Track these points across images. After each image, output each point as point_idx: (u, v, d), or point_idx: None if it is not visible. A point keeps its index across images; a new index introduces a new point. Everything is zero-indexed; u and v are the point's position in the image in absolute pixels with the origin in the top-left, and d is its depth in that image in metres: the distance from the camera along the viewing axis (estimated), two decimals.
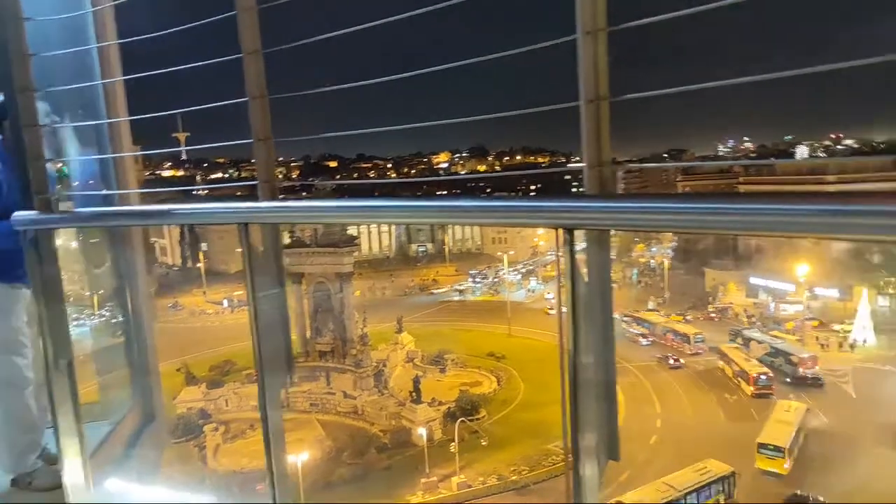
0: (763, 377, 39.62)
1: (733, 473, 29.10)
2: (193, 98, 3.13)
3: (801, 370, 40.23)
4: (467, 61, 2.06)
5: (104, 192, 4.06)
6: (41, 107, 2.95)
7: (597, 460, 1.67)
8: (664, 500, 27.18)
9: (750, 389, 39.41)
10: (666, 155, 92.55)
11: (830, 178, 53.74)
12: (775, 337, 46.45)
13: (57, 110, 3.36)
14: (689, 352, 46.99)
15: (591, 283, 1.65)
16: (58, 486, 3.12)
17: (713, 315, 55.71)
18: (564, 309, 1.61)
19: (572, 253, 1.57)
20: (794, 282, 51.58)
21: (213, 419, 40.85)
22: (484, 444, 36.12)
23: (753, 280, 56.55)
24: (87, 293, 5.02)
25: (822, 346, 45.41)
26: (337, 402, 42.38)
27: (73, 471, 3.06)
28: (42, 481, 3.53)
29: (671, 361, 45.52)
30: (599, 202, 1.58)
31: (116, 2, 3.62)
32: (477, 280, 75.66)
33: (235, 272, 72.53)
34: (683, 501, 27.33)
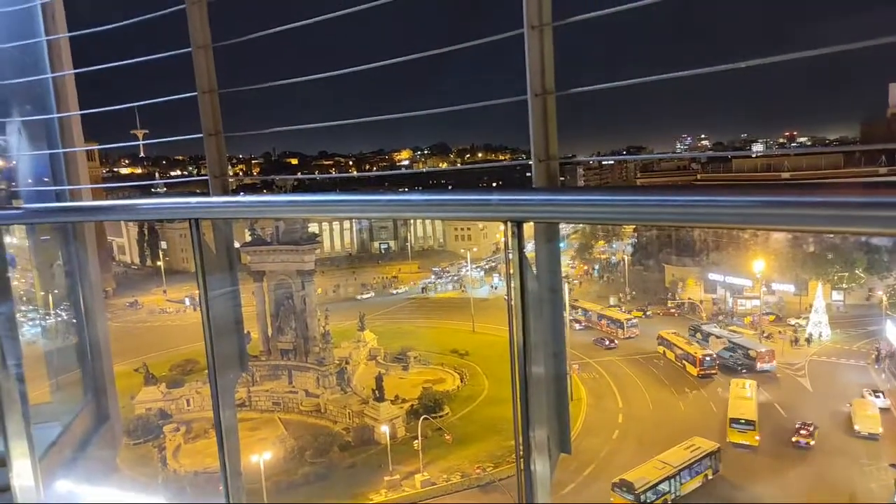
0: (708, 359, 42.49)
1: (719, 449, 31.14)
2: (148, 95, 3.10)
3: (758, 364, 41.66)
4: (419, 55, 2.09)
5: (56, 187, 3.97)
6: None
7: (548, 455, 1.69)
8: (664, 477, 29.01)
9: (695, 370, 42.19)
10: (625, 152, 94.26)
11: (785, 175, 55.60)
12: (733, 332, 47.77)
13: (4, 107, 3.28)
14: (622, 336, 50.26)
15: (541, 277, 1.67)
16: (5, 488, 3.06)
17: (672, 310, 57.10)
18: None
19: (521, 246, 1.59)
20: (752, 277, 52.84)
21: (173, 419, 39.90)
22: (448, 440, 36.23)
23: (712, 276, 58.08)
24: (37, 294, 4.89)
25: (776, 340, 46.93)
26: (299, 401, 41.91)
27: (21, 473, 3.01)
28: None
29: (606, 343, 49.38)
30: (546, 195, 1.60)
31: None
32: (440, 277, 75.71)
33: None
34: (678, 477, 29.35)
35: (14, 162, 3.47)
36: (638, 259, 67.40)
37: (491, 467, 33.44)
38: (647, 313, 56.37)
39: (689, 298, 58.06)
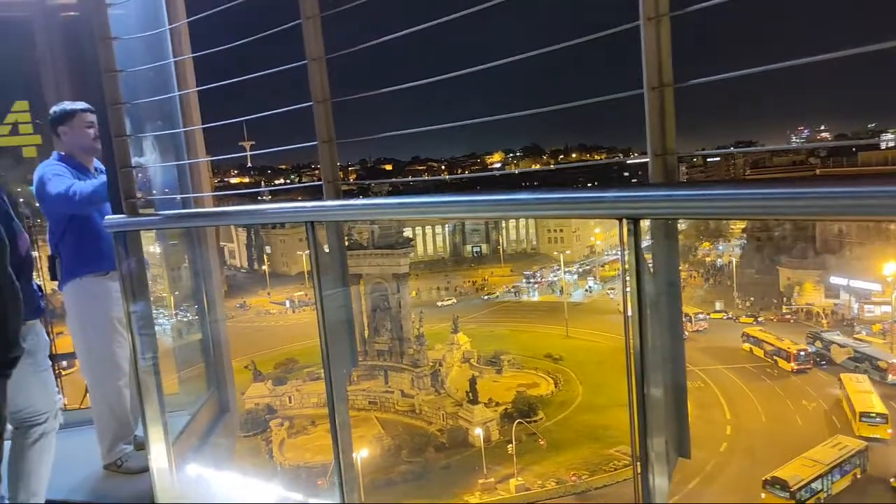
0: (802, 354, 41.46)
1: (867, 448, 29.86)
2: (257, 108, 3.27)
3: (890, 376, 37.95)
4: (526, 55, 2.06)
5: (181, 195, 4.34)
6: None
7: (666, 462, 1.63)
8: (816, 475, 28.07)
9: (789, 366, 41.13)
10: (726, 150, 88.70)
11: None
12: (860, 341, 43.83)
13: (139, 122, 3.62)
14: (690, 329, 48.51)
15: (658, 277, 1.61)
16: (145, 469, 3.36)
17: (788, 317, 53.00)
18: (623, 305, 1.60)
19: (638, 245, 1.53)
20: (881, 280, 48.16)
21: (278, 415, 42.19)
22: (542, 446, 35.75)
23: (834, 279, 53.23)
24: (166, 294, 5.34)
25: None
26: (395, 401, 42.94)
27: (158, 456, 3.29)
28: (131, 465, 3.81)
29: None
30: (665, 190, 1.53)
31: (190, 19, 3.86)
32: (532, 280, 74.84)
33: (296, 274, 74.75)
34: (830, 475, 28.37)
35: (149, 174, 3.81)
36: (748, 261, 62.94)
37: (587, 475, 32.63)
38: (759, 319, 52.54)
39: (808, 304, 53.48)
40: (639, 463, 1.63)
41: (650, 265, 1.55)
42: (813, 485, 27.53)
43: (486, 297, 71.29)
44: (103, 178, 3.61)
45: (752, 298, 56.78)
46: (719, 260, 67.81)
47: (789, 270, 56.77)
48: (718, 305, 56.27)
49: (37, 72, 5.13)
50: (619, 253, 1.62)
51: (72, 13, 5.09)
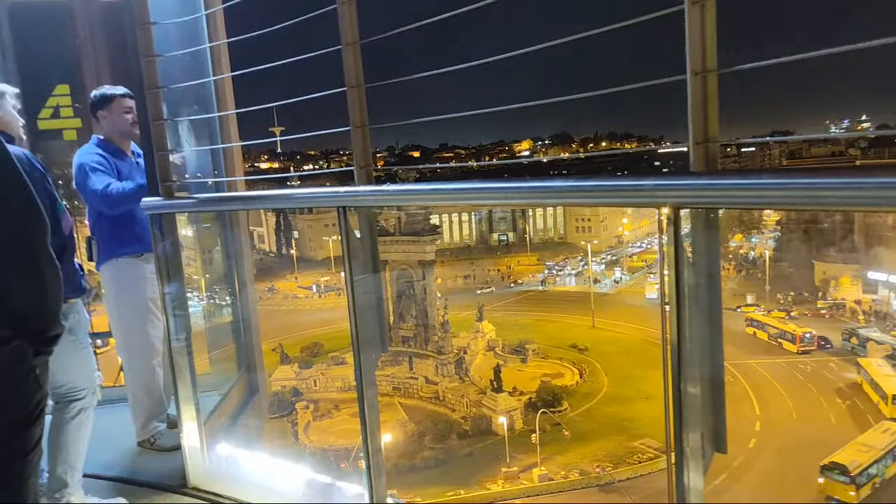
0: (808, 336, 42.60)
1: None
2: (287, 94, 3.27)
3: None
4: (562, 40, 2.02)
5: (215, 179, 4.40)
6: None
7: (702, 457, 1.60)
8: (873, 460, 27.88)
9: (795, 348, 42.18)
10: (769, 138, 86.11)
11: None
12: None
13: (176, 106, 3.67)
14: None
15: (698, 267, 1.58)
16: (177, 447, 3.45)
17: (823, 312, 51.42)
18: (652, 295, 1.57)
19: (678, 234, 1.51)
20: None
21: (303, 397, 42.90)
22: (566, 436, 35.67)
23: (872, 274, 51.55)
24: (197, 277, 5.44)
25: None
26: (419, 387, 43.26)
27: (190, 434, 3.37)
28: (164, 442, 3.92)
29: None
30: (707, 179, 1.50)
31: (227, 4, 3.89)
32: (558, 270, 74.31)
33: (322, 259, 75.56)
34: (883, 460, 28.20)
35: (185, 158, 3.87)
36: (781, 254, 61.29)
37: (611, 467, 32.47)
38: (791, 314, 51.22)
39: (844, 299, 51.96)
40: (670, 453, 1.60)
41: (689, 256, 1.52)
42: (869, 470, 27.24)
43: (511, 286, 71.11)
44: (141, 181, 3.67)
45: (791, 293, 55.38)
46: (752, 252, 66.21)
47: (825, 264, 55.07)
48: (750, 299, 55.02)
49: (77, 56, 5.24)
50: (648, 244, 1.59)
51: None
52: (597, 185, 1.66)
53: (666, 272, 1.58)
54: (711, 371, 1.59)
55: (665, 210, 1.51)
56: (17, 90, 3.05)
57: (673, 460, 1.56)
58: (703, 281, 1.56)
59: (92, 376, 3.22)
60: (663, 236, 1.52)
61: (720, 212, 1.60)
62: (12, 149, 1.84)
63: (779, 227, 63.92)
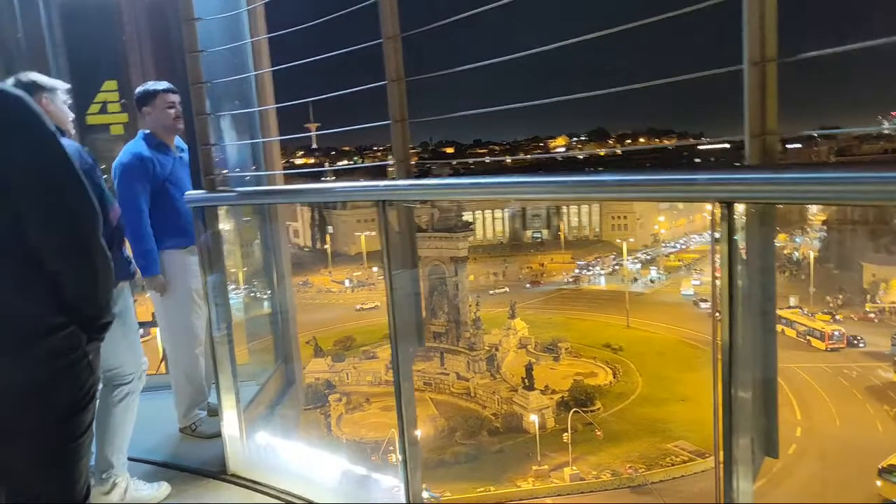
0: (836, 334, 42.97)
1: None
2: (323, 89, 3.27)
3: None
4: (607, 31, 1.96)
5: (254, 173, 4.47)
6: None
7: (752, 463, 1.56)
8: None
9: (823, 345, 42.38)
10: (816, 135, 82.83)
11: None
12: None
13: (218, 101, 3.73)
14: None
15: (751, 266, 1.53)
16: (218, 434, 3.52)
17: (871, 315, 49.47)
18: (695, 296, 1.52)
19: (731, 231, 1.45)
20: None
21: (336, 390, 43.48)
22: (599, 436, 35.28)
23: None
24: (236, 269, 5.53)
25: None
26: (450, 383, 43.36)
27: (230, 422, 3.43)
28: (205, 429, 4.01)
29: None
30: (765, 173, 1.43)
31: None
32: (592, 268, 73.31)
33: (355, 254, 76.30)
34: None
35: (227, 152, 3.94)
36: (827, 255, 59.06)
37: (643, 469, 32.00)
38: (836, 317, 49.40)
39: (894, 302, 50.07)
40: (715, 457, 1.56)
41: (743, 254, 1.47)
42: None
43: (527, 287, 69.87)
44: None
45: (840, 296, 53.41)
46: (795, 252, 64.06)
47: (875, 266, 52.96)
48: (793, 301, 53.27)
49: (124, 52, 5.38)
50: (684, 243, 1.54)
51: None
52: (646, 180, 1.61)
53: (717, 275, 1.52)
54: (764, 374, 1.54)
55: (716, 206, 1.46)
56: (68, 86, 3.14)
57: (721, 460, 1.51)
58: (756, 280, 1.50)
59: (139, 361, 3.31)
60: (715, 232, 1.47)
61: (775, 209, 1.53)
62: (64, 142, 1.89)
63: (825, 227, 61.70)
